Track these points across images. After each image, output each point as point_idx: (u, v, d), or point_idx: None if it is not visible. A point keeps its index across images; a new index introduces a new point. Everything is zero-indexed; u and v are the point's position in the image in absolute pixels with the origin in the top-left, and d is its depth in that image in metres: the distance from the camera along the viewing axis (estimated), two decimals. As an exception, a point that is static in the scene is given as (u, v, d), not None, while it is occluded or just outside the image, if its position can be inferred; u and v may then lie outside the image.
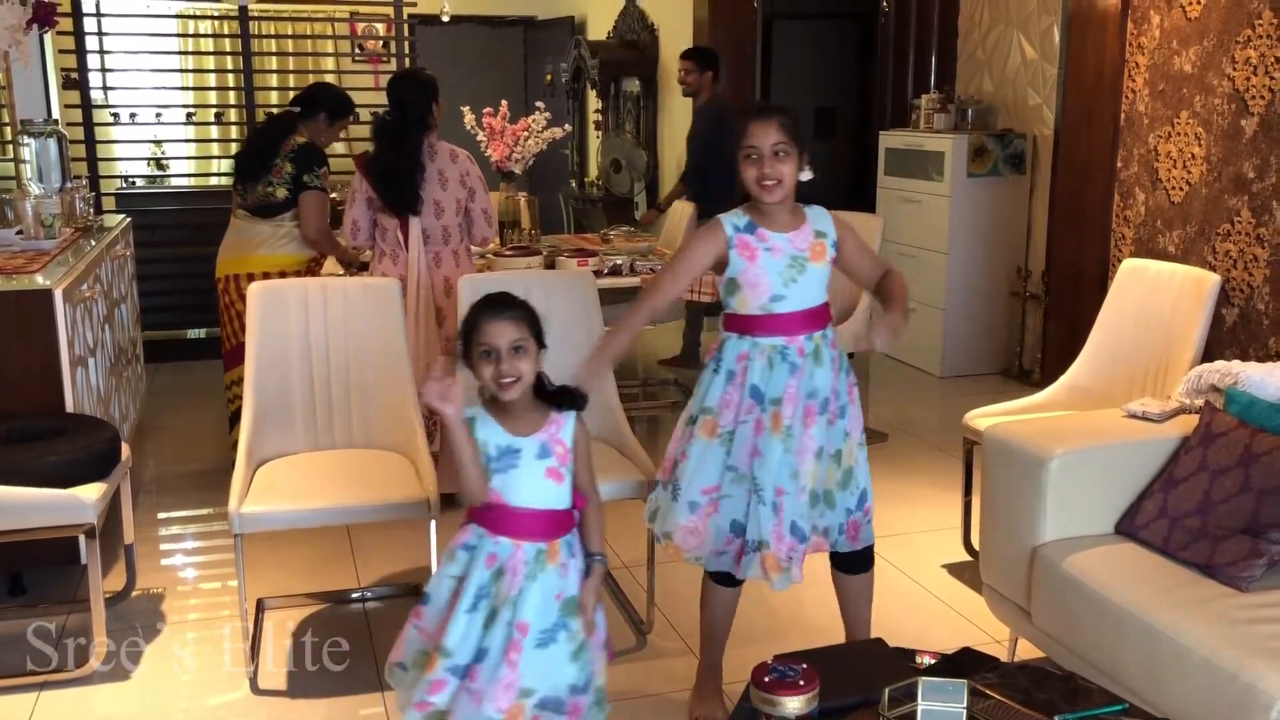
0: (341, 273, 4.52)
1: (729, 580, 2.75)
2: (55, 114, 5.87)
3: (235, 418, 4.21)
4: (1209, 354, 3.48)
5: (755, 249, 2.60)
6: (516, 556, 2.16)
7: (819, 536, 2.69)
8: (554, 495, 2.21)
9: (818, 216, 2.68)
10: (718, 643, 2.86)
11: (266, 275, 4.12)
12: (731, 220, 2.65)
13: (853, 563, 2.79)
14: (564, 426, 2.23)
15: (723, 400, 2.64)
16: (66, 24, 6.03)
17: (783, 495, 2.58)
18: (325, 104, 4.36)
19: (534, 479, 2.18)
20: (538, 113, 5.49)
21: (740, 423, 2.62)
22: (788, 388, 2.58)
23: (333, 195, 5.21)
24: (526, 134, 5.40)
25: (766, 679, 1.89)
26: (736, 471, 2.63)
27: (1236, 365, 2.87)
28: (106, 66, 7.12)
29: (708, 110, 5.93)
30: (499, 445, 2.16)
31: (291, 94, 6.50)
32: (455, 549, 2.21)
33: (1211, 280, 3.51)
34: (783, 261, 2.59)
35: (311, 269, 4.34)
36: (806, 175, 2.64)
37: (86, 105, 6.34)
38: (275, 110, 5.70)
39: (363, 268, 4.56)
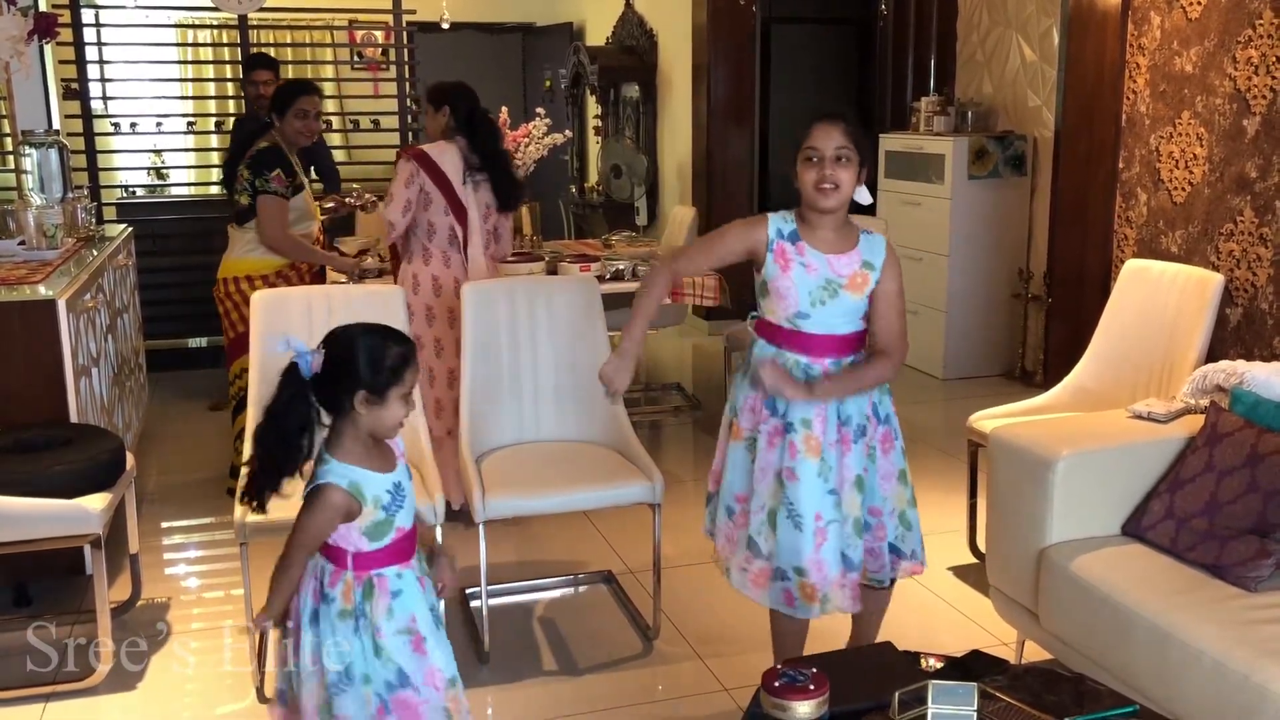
0: (344, 280, 4.51)
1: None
2: (56, 124, 5.86)
3: (240, 407, 4.20)
4: (1213, 354, 3.48)
5: (791, 260, 2.52)
6: (408, 577, 2.14)
7: (909, 561, 2.69)
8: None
9: (872, 246, 2.56)
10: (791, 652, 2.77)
11: (249, 280, 4.20)
12: (778, 223, 2.56)
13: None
14: (398, 445, 2.18)
15: (746, 403, 2.62)
16: (67, 34, 6.04)
17: (824, 522, 2.52)
18: (271, 105, 4.33)
19: (413, 499, 2.16)
20: (538, 119, 5.49)
21: (756, 432, 2.58)
22: (815, 410, 2.52)
23: (350, 200, 5.21)
24: (527, 140, 5.41)
25: (776, 684, 1.89)
26: (758, 495, 2.59)
27: (1241, 365, 2.87)
28: (106, 76, 7.11)
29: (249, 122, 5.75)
30: (389, 489, 2.10)
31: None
32: (389, 604, 2.10)
33: (1215, 280, 3.51)
34: (815, 281, 2.51)
35: (286, 275, 4.29)
36: (865, 197, 2.57)
37: (87, 115, 6.35)
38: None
39: (365, 274, 4.55)
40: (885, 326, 2.57)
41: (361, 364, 2.04)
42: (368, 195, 5.26)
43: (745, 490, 2.63)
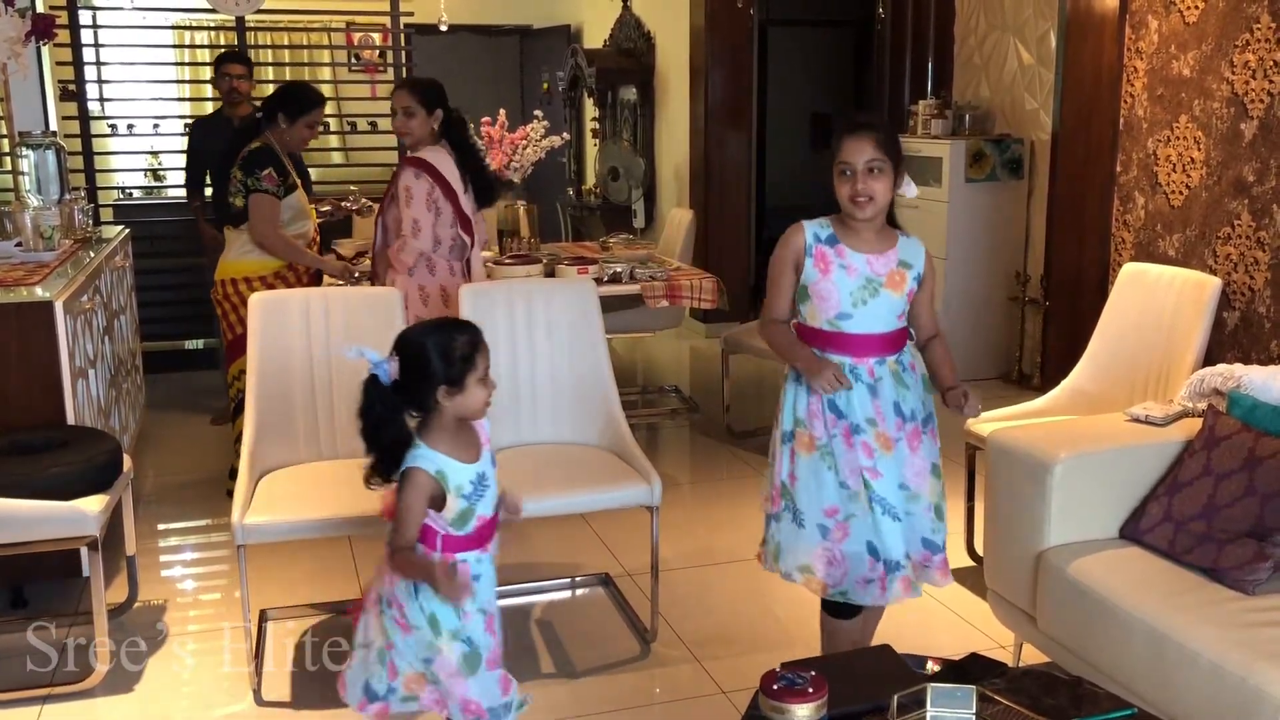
0: (341, 283, 4.50)
1: (849, 611, 2.68)
2: (53, 125, 5.86)
3: (238, 409, 4.19)
4: (1210, 358, 3.48)
5: (831, 262, 2.56)
6: (485, 561, 2.31)
7: (939, 555, 2.66)
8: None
9: (910, 247, 2.62)
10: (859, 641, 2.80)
11: (236, 282, 4.19)
12: (814, 228, 2.60)
13: None
14: (484, 429, 2.33)
15: (809, 411, 2.60)
16: (64, 36, 6.03)
17: (902, 512, 2.58)
18: (280, 104, 4.27)
19: (496, 489, 2.30)
20: (535, 121, 5.49)
21: (831, 436, 2.57)
22: (875, 407, 2.56)
23: (346, 204, 5.20)
24: (525, 143, 5.41)
25: (775, 687, 1.89)
26: (849, 489, 2.57)
27: (1239, 368, 2.87)
28: (104, 78, 7.11)
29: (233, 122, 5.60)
30: (472, 480, 2.24)
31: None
32: (474, 586, 2.25)
33: (1212, 284, 3.52)
34: (856, 282, 2.55)
35: (284, 276, 4.28)
36: (911, 191, 2.62)
37: (84, 116, 6.34)
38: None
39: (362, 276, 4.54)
40: (926, 319, 2.69)
41: (435, 361, 2.19)
42: (364, 199, 5.25)
43: (835, 502, 2.59)
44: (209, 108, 8.52)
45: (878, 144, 2.49)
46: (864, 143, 2.50)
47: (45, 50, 5.77)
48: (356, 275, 4.45)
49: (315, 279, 4.42)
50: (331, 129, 7.82)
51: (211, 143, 5.32)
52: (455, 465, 2.21)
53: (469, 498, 2.23)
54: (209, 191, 5.57)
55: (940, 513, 2.65)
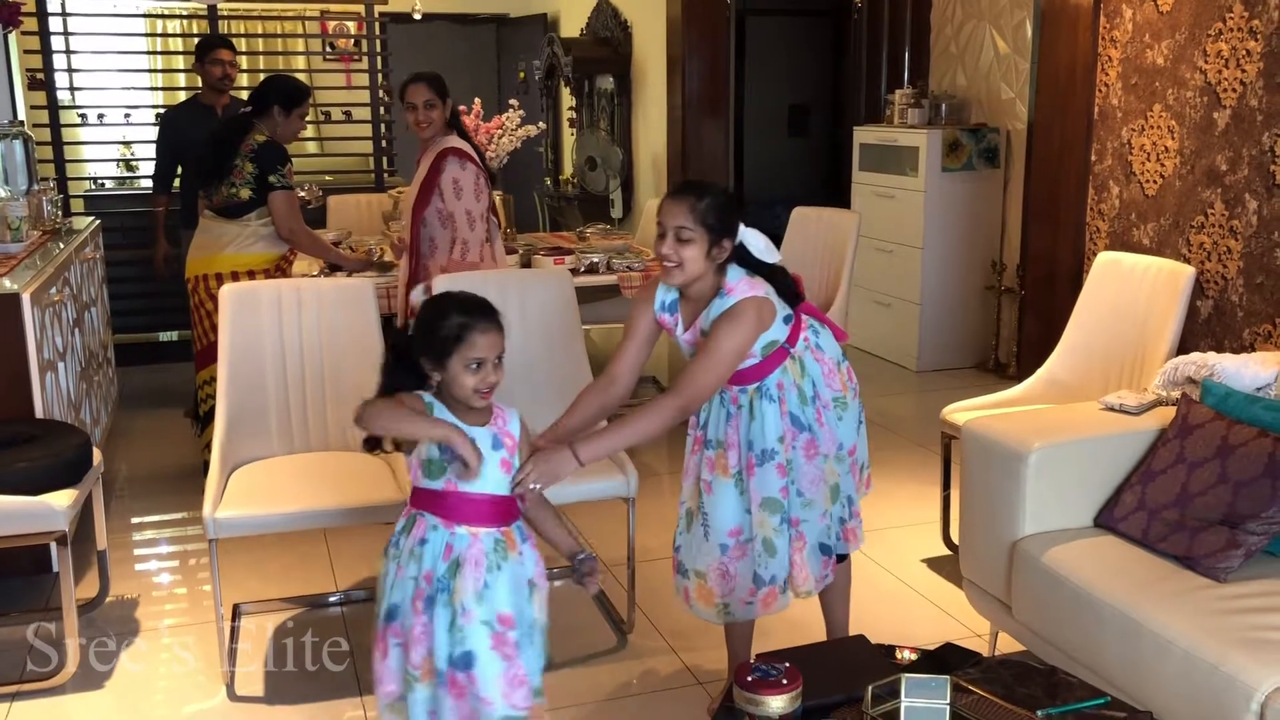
0: (317, 273, 4.46)
1: None
2: (21, 115, 5.78)
3: (207, 418, 4.14)
4: (1184, 346, 3.50)
5: (670, 328, 2.63)
6: (475, 548, 2.13)
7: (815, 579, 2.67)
8: (505, 484, 2.19)
9: (717, 309, 2.49)
10: (740, 650, 2.84)
11: (235, 275, 4.07)
12: (662, 294, 2.61)
13: None
14: (510, 420, 2.23)
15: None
16: (31, 24, 5.96)
17: (742, 538, 2.60)
18: (277, 96, 4.23)
19: (490, 467, 2.15)
20: (512, 110, 5.46)
21: (692, 439, 2.72)
22: (728, 434, 2.60)
23: (301, 194, 5.16)
24: (501, 132, 5.38)
25: (749, 678, 1.89)
26: (684, 490, 2.73)
27: (1212, 357, 2.88)
28: (73, 67, 7.02)
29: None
30: None
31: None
32: (414, 545, 2.15)
33: (1186, 273, 3.53)
34: (684, 347, 2.63)
35: (281, 267, 4.27)
36: (768, 255, 2.52)
37: (53, 106, 6.27)
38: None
39: (375, 267, 4.53)
40: (687, 366, 2.50)
41: (421, 329, 2.14)
42: (317, 190, 5.24)
43: (683, 492, 2.77)
44: (182, 97, 8.47)
45: (691, 210, 2.42)
46: (677, 208, 2.44)
47: (12, 38, 5.69)
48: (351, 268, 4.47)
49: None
50: (307, 118, 7.76)
51: (194, 133, 5.26)
52: (445, 412, 2.13)
53: (444, 451, 2.11)
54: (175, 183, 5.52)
55: (769, 546, 2.57)
